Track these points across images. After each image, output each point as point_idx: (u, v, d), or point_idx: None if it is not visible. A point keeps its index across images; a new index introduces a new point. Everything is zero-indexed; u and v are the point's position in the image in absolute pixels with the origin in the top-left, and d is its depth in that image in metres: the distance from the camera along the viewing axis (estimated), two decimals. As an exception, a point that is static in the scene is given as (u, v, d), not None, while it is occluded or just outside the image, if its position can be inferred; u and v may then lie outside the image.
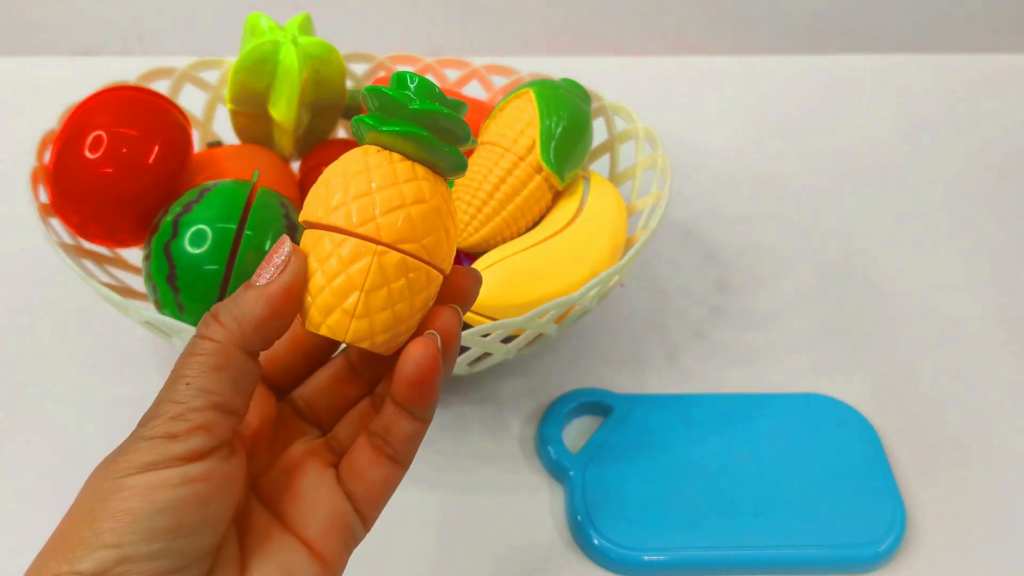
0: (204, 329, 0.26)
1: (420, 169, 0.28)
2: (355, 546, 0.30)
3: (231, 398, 0.26)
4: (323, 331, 0.27)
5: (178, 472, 0.24)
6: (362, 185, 0.27)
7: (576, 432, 0.52)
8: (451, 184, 0.41)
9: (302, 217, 0.28)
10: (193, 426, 0.25)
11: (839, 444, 0.50)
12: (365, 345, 0.28)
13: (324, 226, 0.27)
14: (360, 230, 0.27)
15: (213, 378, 0.26)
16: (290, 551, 0.28)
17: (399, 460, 0.30)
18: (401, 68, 0.62)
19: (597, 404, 0.52)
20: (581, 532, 0.46)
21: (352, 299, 0.27)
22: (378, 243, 0.27)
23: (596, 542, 0.45)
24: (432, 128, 0.28)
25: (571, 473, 0.48)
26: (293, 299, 0.27)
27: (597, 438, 0.50)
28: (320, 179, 0.28)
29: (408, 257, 0.27)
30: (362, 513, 0.30)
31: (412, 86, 0.28)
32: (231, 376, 0.26)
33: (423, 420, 0.29)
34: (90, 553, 0.23)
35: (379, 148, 0.28)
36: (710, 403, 0.52)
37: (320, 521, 0.29)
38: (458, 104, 0.28)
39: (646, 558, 0.45)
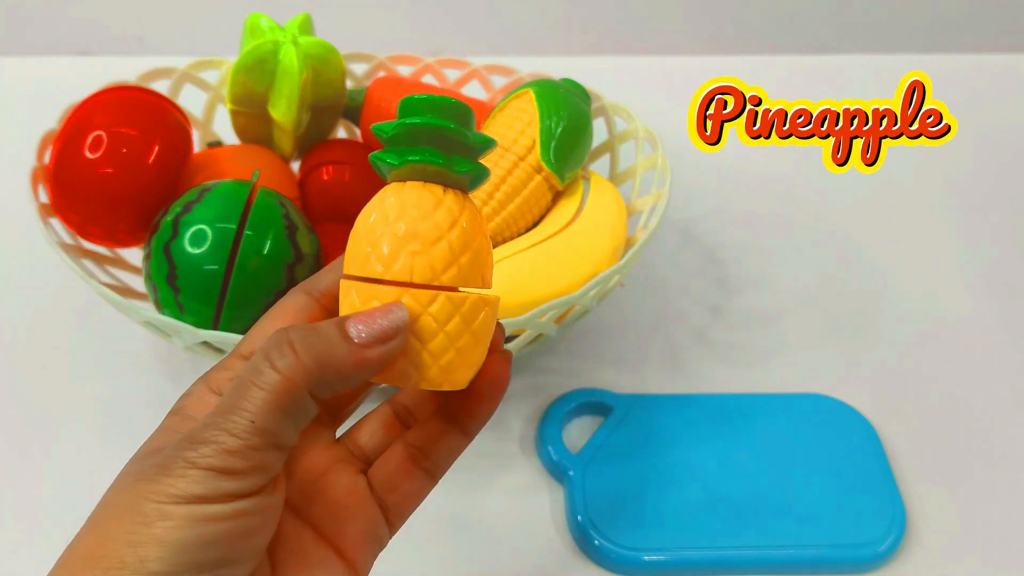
0: (277, 357, 0.25)
1: (462, 201, 0.28)
2: (379, 553, 0.30)
3: (290, 437, 0.25)
4: (442, 388, 0.28)
5: (230, 508, 0.24)
6: (454, 236, 0.27)
7: (576, 432, 0.52)
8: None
9: (368, 273, 0.27)
10: (251, 465, 0.24)
11: (839, 444, 0.50)
12: (460, 387, 0.28)
13: (422, 285, 0.27)
14: (468, 288, 0.28)
15: (277, 419, 0.24)
16: (326, 564, 0.28)
17: (434, 474, 0.30)
18: (401, 68, 0.62)
19: (597, 404, 0.52)
20: (581, 532, 0.46)
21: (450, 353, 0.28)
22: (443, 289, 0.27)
23: (596, 542, 0.45)
24: (482, 155, 0.28)
25: (571, 473, 0.48)
26: (383, 366, 0.26)
27: (597, 438, 0.50)
28: (387, 225, 0.27)
29: (479, 298, 0.28)
30: (391, 522, 0.30)
31: (447, 113, 0.27)
32: (294, 418, 0.25)
33: (472, 435, 0.30)
34: None
35: (423, 184, 0.28)
36: (710, 403, 0.52)
37: (356, 532, 0.29)
38: (468, 110, 0.28)
39: (646, 558, 0.45)
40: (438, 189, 0.28)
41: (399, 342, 0.26)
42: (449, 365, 0.27)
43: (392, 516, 0.30)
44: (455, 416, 0.30)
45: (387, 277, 0.27)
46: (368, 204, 0.28)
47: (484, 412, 0.29)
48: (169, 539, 0.23)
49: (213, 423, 0.24)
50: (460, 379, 0.28)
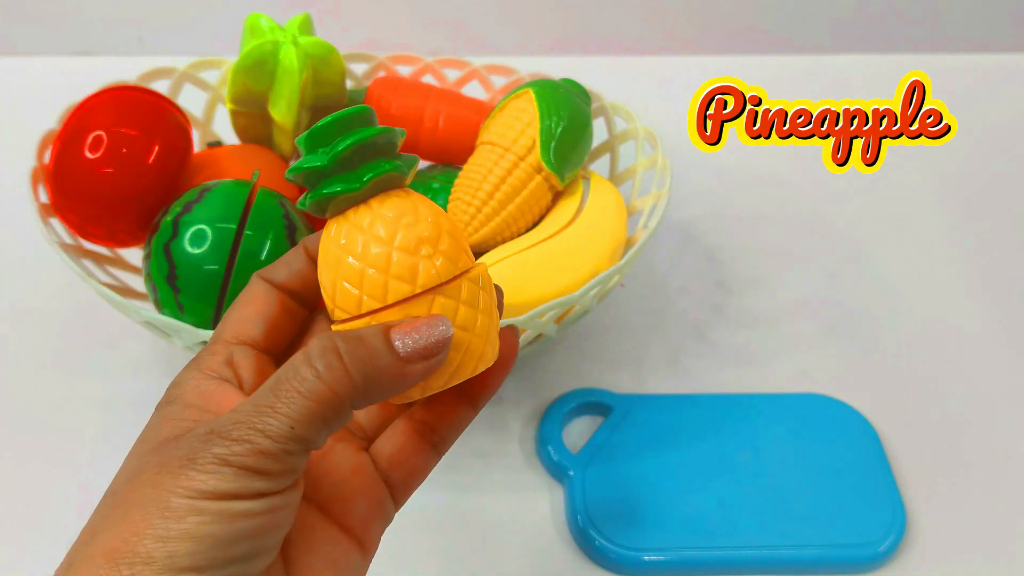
0: (323, 366, 0.25)
1: (417, 192, 0.29)
2: (385, 528, 0.30)
3: (322, 443, 0.25)
4: (490, 364, 0.29)
5: (261, 505, 0.24)
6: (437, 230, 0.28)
7: (576, 432, 0.52)
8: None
9: (394, 298, 0.27)
10: (286, 468, 0.24)
11: (839, 444, 0.50)
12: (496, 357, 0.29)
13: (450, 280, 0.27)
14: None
15: (317, 429, 0.24)
16: (334, 543, 0.28)
17: (440, 449, 0.31)
18: (401, 68, 0.62)
19: (597, 404, 0.52)
20: (581, 533, 0.46)
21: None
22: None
23: (596, 542, 0.45)
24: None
25: (571, 473, 0.48)
26: (422, 379, 0.26)
27: (597, 438, 0.50)
28: (385, 245, 0.27)
29: (480, 264, 0.29)
30: (396, 498, 0.30)
31: (362, 122, 0.27)
32: (332, 427, 0.25)
33: (479, 408, 0.30)
34: (162, 574, 0.22)
35: (387, 193, 0.28)
36: (710, 403, 0.52)
37: (363, 510, 0.29)
38: (370, 109, 0.28)
39: (646, 558, 0.45)
40: (400, 192, 0.28)
41: (443, 356, 0.26)
42: (493, 338, 0.28)
43: (397, 492, 0.30)
44: (463, 390, 0.30)
45: (417, 291, 0.27)
46: (336, 237, 0.27)
47: (495, 384, 0.30)
48: (200, 534, 0.23)
49: (246, 421, 0.24)
50: (497, 348, 0.29)
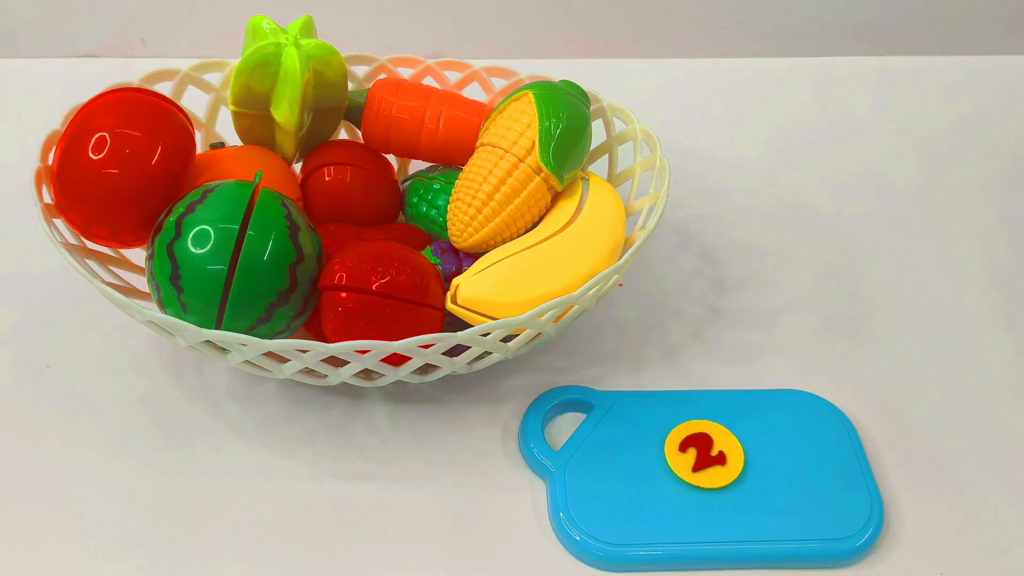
0: None
1: None
2: None
3: None
4: None
5: None
6: None
7: (560, 430, 0.52)
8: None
9: None
10: None
11: (818, 439, 0.50)
12: None
13: None
14: None
15: None
16: None
17: None
18: (402, 70, 0.62)
19: (578, 402, 0.52)
20: (562, 528, 0.46)
21: None
22: None
23: (577, 538, 0.45)
24: None
25: (553, 470, 0.48)
26: None
27: (578, 435, 0.50)
28: None
29: None
30: None
31: None
32: None
33: None
34: None
35: None
36: (691, 399, 0.52)
37: None
38: None
39: (627, 553, 0.45)
40: None
41: None
42: None
43: None
44: None
45: None
46: None
47: None
48: None
49: None
50: None
